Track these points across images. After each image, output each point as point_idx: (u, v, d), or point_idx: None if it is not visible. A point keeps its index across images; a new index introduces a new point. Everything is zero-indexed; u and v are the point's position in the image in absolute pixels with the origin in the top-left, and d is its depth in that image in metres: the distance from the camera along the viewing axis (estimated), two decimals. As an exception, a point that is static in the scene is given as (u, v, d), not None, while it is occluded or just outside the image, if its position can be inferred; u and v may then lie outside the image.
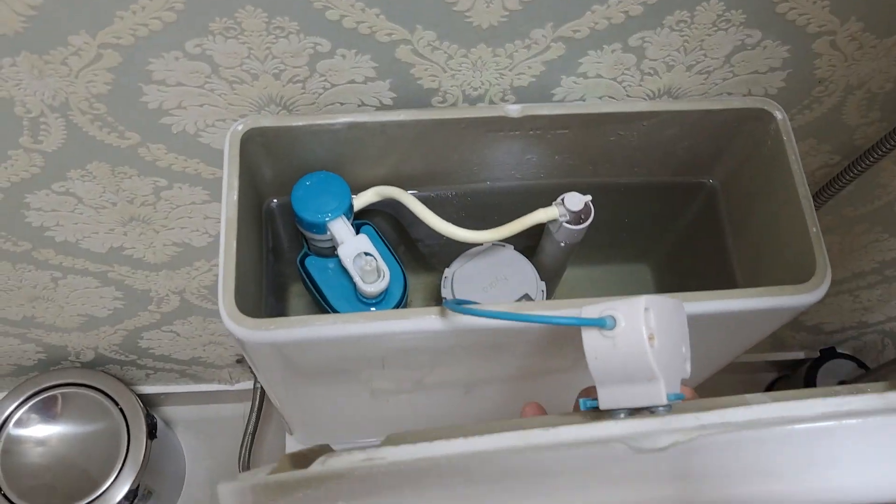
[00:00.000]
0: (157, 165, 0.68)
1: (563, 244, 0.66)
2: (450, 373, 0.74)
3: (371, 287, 0.60)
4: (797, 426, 0.29)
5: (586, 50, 0.58)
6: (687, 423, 0.33)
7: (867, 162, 0.69)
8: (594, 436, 0.33)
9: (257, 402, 1.12)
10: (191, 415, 1.33)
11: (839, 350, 1.25)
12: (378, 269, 0.60)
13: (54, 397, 1.08)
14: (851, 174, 0.71)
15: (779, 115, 0.60)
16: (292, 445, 0.91)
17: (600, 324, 0.40)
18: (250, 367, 1.17)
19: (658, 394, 0.40)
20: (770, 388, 1.39)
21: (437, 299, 0.71)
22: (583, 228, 0.63)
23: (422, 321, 0.53)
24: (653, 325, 0.40)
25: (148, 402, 1.26)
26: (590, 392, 0.44)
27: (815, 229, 0.57)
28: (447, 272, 0.69)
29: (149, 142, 0.65)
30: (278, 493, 0.32)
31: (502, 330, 0.55)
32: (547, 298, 0.69)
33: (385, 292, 0.62)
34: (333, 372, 0.69)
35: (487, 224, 0.70)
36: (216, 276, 0.89)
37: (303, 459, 0.40)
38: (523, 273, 0.69)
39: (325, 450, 0.45)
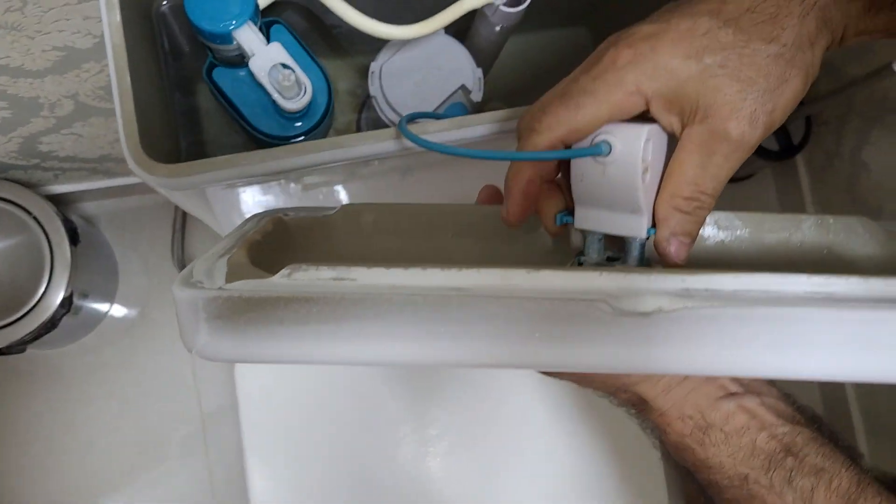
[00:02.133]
0: (13, -34, 0.57)
1: (499, 27, 0.59)
2: (386, 162, 0.69)
3: (292, 103, 0.53)
4: (779, 309, 0.29)
5: None
6: (671, 285, 0.31)
7: None
8: (578, 287, 0.31)
9: (181, 195, 1.07)
10: (112, 208, 1.27)
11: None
12: (299, 82, 0.53)
13: (-41, 213, 1.00)
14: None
15: None
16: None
17: (595, 152, 0.36)
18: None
19: (639, 227, 0.38)
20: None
21: (366, 94, 0.65)
22: (521, 10, 0.57)
23: (362, 148, 0.48)
24: (649, 157, 0.37)
25: (63, 201, 1.20)
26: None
27: None
28: (373, 66, 0.62)
29: (-3, -61, 0.53)
30: (244, 309, 0.31)
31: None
32: (484, 85, 0.64)
33: (308, 104, 0.56)
34: (262, 179, 0.64)
35: (416, 6, 0.62)
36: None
37: (259, 251, 0.37)
38: (457, 60, 0.62)
39: (280, 228, 0.41)
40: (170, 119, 0.56)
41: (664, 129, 0.37)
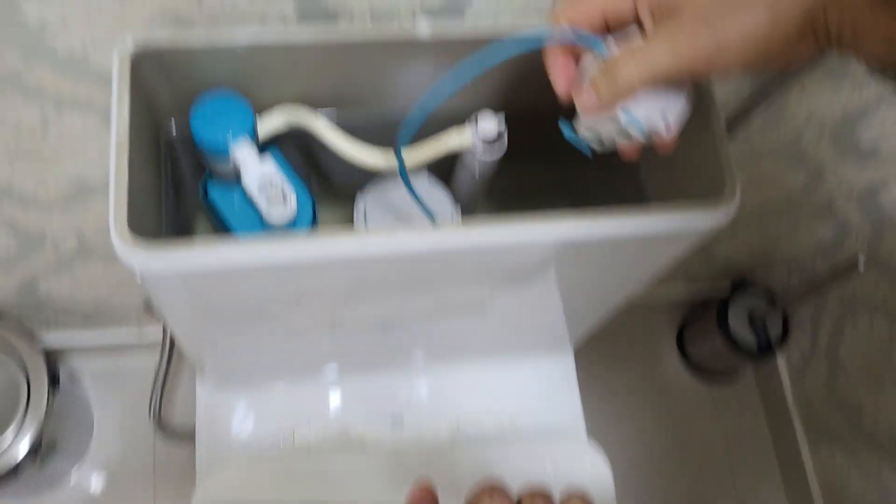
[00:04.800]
0: (43, 91, 0.63)
1: (478, 173, 0.64)
2: (365, 312, 0.72)
3: (277, 214, 0.57)
4: None
5: (497, -39, 0.56)
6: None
7: (776, 87, 0.70)
8: None
9: (167, 350, 1.08)
10: (98, 366, 1.27)
11: (749, 284, 1.29)
12: (284, 193, 0.57)
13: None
14: (761, 101, 0.72)
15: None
16: (203, 393, 0.88)
17: (596, 46, 0.44)
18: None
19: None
20: (683, 326, 1.43)
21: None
22: (497, 155, 0.62)
23: (336, 243, 0.50)
24: None
25: (51, 353, 1.21)
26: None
27: (724, 150, 0.57)
28: (360, 198, 0.67)
29: (33, 65, 0.60)
30: None
31: (416, 255, 0.53)
32: (462, 227, 0.68)
33: (294, 220, 0.60)
34: (244, 312, 0.67)
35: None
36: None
37: None
38: (439, 201, 0.67)
39: None
40: (162, 227, 0.60)
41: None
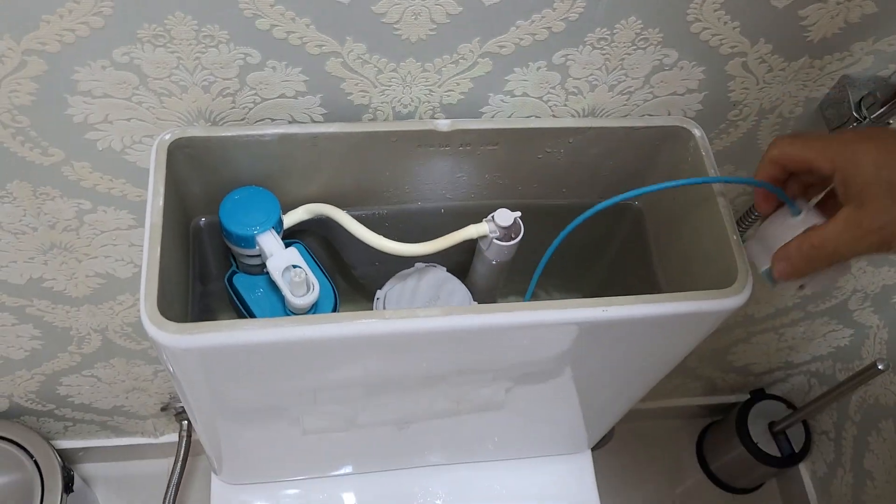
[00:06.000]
0: (81, 186, 0.67)
1: (494, 262, 0.66)
2: (382, 409, 0.72)
3: (300, 300, 0.59)
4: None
5: (512, 67, 0.60)
6: None
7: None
8: None
9: (182, 452, 1.08)
10: (112, 472, 1.26)
11: (768, 391, 1.28)
12: (308, 282, 0.59)
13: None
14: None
15: (697, 132, 0.63)
16: (218, 491, 0.87)
17: (793, 207, 0.54)
18: (175, 413, 1.13)
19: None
20: (704, 432, 1.40)
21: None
22: (513, 245, 0.64)
23: (356, 325, 0.52)
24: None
25: (66, 457, 1.20)
26: None
27: (735, 237, 0.59)
28: (379, 293, 0.68)
29: (73, 159, 0.64)
30: None
31: (438, 333, 0.54)
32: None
33: (315, 307, 0.61)
34: (263, 408, 0.67)
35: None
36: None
37: None
38: (456, 293, 0.69)
39: None
40: (188, 314, 0.62)
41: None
